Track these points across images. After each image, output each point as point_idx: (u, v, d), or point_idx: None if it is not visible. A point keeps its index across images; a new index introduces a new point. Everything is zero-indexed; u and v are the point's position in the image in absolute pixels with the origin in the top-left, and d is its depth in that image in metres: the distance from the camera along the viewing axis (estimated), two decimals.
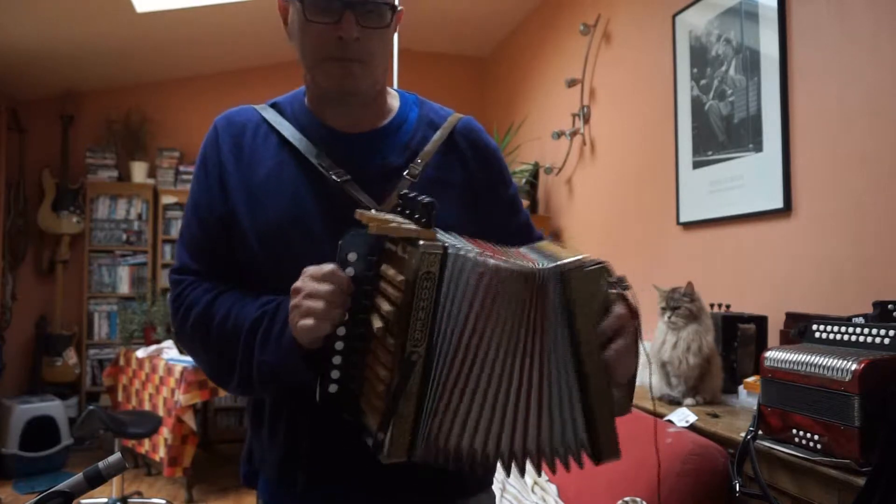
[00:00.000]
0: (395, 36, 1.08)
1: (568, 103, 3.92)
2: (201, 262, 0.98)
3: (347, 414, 0.83)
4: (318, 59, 0.94)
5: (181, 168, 5.14)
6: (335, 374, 0.81)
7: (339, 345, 0.81)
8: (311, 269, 0.81)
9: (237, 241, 0.96)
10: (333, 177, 0.94)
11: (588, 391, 0.81)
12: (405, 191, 0.84)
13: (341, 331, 0.81)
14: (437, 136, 1.03)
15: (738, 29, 2.53)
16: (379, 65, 0.97)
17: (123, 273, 5.03)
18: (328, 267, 0.80)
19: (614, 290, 0.85)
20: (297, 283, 0.81)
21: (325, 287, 0.79)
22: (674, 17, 2.91)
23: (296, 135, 0.99)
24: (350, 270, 0.80)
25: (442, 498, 0.99)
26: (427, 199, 0.79)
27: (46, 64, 4.42)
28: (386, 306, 0.77)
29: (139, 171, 5.04)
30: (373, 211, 0.83)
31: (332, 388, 0.82)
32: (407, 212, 0.81)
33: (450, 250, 0.76)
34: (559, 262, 0.81)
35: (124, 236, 5.03)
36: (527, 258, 0.82)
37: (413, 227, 0.77)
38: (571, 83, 3.76)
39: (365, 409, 0.81)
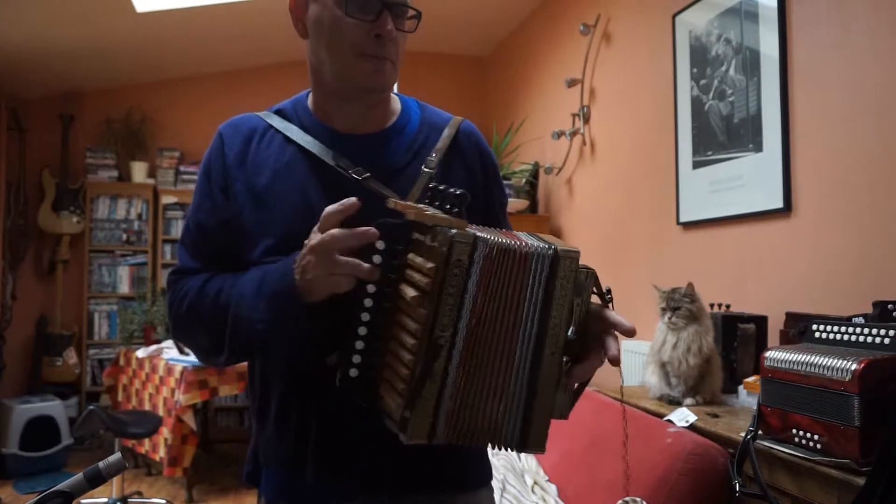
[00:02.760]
0: None
1: (568, 103, 3.92)
2: (202, 262, 1.00)
3: (363, 399, 0.84)
4: (353, 55, 0.96)
5: (181, 168, 5.14)
6: (356, 358, 0.83)
7: (362, 330, 0.82)
8: (328, 216, 0.83)
9: (242, 246, 0.97)
10: (353, 175, 0.96)
11: (535, 385, 0.83)
12: (434, 183, 0.85)
13: (365, 316, 0.82)
14: (447, 135, 1.05)
15: (738, 29, 2.53)
16: (399, 65, 1.01)
17: (123, 273, 5.03)
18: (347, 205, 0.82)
19: (600, 298, 0.88)
20: (311, 238, 0.83)
21: (337, 233, 0.80)
22: (674, 17, 2.91)
23: (305, 138, 1.00)
24: (377, 258, 0.81)
25: (445, 491, 1.00)
26: (459, 191, 0.81)
27: (46, 64, 4.42)
28: (413, 293, 0.79)
29: (139, 171, 5.05)
30: (410, 202, 0.85)
31: (353, 372, 0.83)
32: (436, 203, 0.83)
33: (479, 240, 0.78)
34: (554, 245, 0.83)
35: (124, 236, 5.04)
36: (523, 240, 0.84)
37: (447, 217, 0.80)
38: (571, 83, 3.76)
39: (384, 394, 0.83)
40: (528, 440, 0.84)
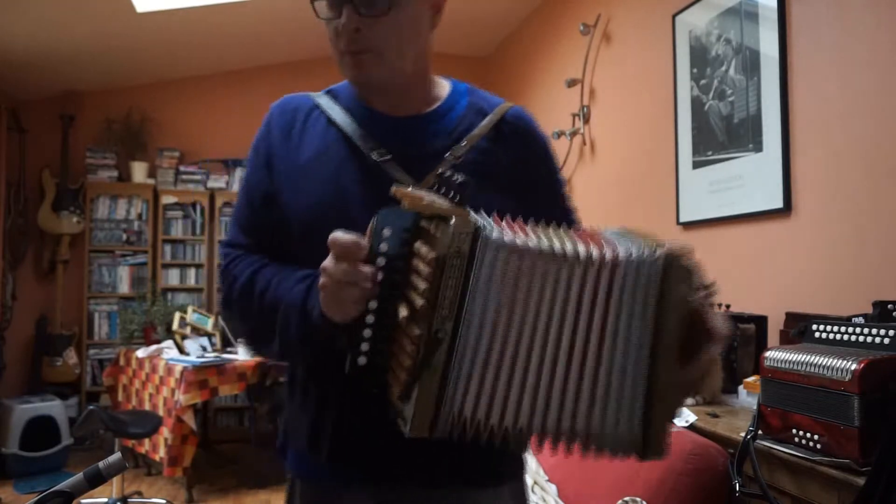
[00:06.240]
0: None
1: (568, 103, 3.92)
2: (249, 237, 1.02)
3: (374, 387, 0.83)
4: (335, 54, 0.97)
5: (181, 168, 5.14)
6: (364, 346, 0.82)
7: (369, 318, 0.82)
8: (337, 247, 0.81)
9: (280, 220, 0.99)
10: (374, 155, 0.96)
11: (654, 389, 0.81)
12: (441, 170, 0.84)
13: (372, 304, 0.81)
14: (486, 122, 1.02)
15: (738, 29, 2.53)
16: (397, 52, 0.96)
17: (123, 273, 5.03)
18: (352, 243, 0.80)
19: (700, 296, 0.84)
20: (325, 262, 0.82)
21: (346, 268, 0.80)
22: (674, 17, 2.91)
23: (343, 117, 1.01)
24: (383, 246, 0.80)
25: (463, 485, 0.98)
26: (462, 179, 0.80)
27: (46, 64, 4.42)
28: (417, 282, 0.78)
29: (139, 171, 5.05)
30: (410, 188, 0.83)
31: (362, 360, 0.82)
32: (442, 191, 0.82)
33: (482, 230, 0.77)
34: (657, 247, 0.81)
35: (124, 236, 5.03)
36: (604, 242, 0.82)
37: (446, 204, 0.78)
38: (571, 83, 3.76)
39: (392, 383, 0.82)
40: (649, 448, 0.83)
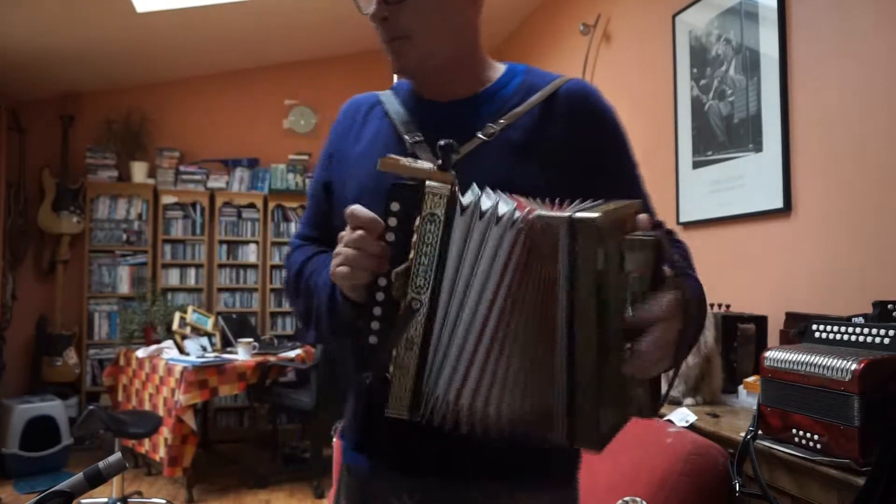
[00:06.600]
0: None
1: None
2: (315, 230, 1.10)
3: (384, 368, 0.79)
4: (381, 45, 0.98)
5: (181, 168, 5.14)
6: (375, 325, 0.79)
7: (379, 295, 0.79)
8: (348, 217, 0.81)
9: (333, 209, 1.03)
10: (406, 137, 0.96)
11: (575, 369, 0.71)
12: (442, 140, 0.80)
13: (382, 281, 0.78)
14: (533, 99, 0.97)
15: (737, 29, 2.53)
16: (428, 35, 0.95)
17: (123, 273, 5.03)
18: (365, 216, 0.79)
19: (668, 270, 0.76)
20: (341, 233, 0.83)
21: (355, 235, 0.79)
22: (674, 17, 2.91)
23: (397, 108, 1.02)
24: (392, 221, 0.78)
25: (497, 480, 0.92)
26: (444, 142, 0.77)
27: (46, 64, 4.42)
28: (410, 252, 0.75)
29: (139, 171, 5.05)
30: (407, 159, 0.80)
31: (372, 339, 0.79)
32: (438, 159, 0.79)
33: (462, 196, 0.73)
34: (574, 211, 0.72)
35: (124, 236, 5.04)
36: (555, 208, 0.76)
37: (425, 168, 0.75)
38: None
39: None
40: (575, 436, 0.72)
